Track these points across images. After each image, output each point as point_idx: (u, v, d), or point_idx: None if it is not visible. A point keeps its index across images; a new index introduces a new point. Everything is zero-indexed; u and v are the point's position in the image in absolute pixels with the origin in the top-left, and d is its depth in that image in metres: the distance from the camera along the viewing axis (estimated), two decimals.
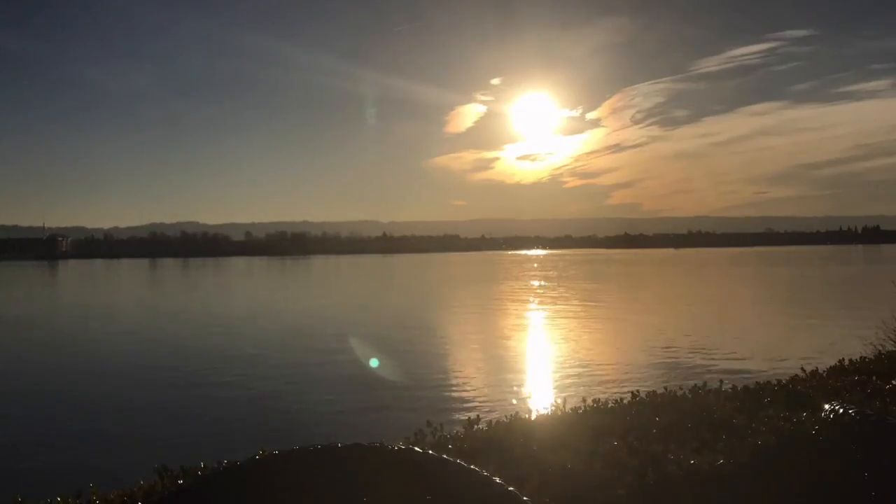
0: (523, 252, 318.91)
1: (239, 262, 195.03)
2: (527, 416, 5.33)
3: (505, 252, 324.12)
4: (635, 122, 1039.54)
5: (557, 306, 45.01)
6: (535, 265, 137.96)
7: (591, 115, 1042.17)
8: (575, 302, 48.26)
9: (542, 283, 73.91)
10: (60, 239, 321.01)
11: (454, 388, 19.42)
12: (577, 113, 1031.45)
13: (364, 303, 52.57)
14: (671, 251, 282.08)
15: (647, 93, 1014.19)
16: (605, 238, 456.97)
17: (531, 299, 51.50)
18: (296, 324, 36.96)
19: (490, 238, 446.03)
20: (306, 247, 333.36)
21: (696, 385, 6.08)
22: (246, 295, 65.66)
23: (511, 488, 2.30)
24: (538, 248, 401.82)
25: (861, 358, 8.55)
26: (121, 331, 35.13)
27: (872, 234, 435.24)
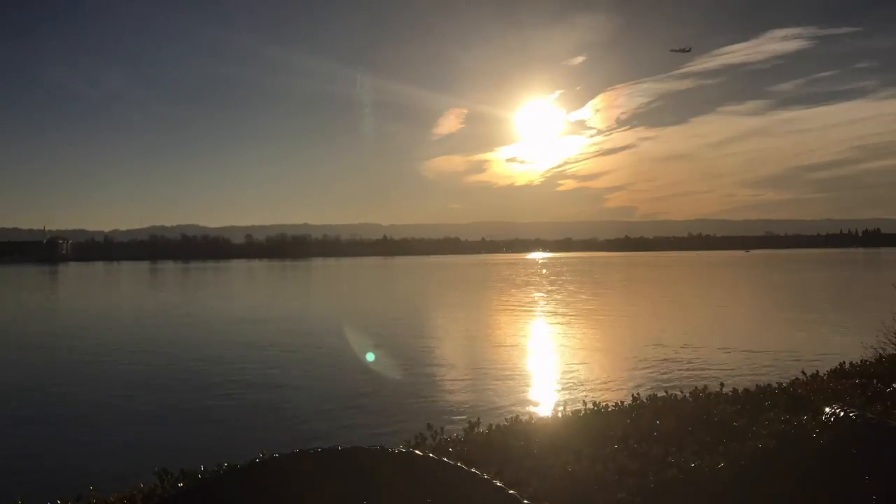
0: (526, 255, 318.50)
1: (239, 265, 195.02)
2: (527, 418, 5.32)
3: (506, 255, 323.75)
4: (621, 123, 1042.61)
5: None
6: (548, 269, 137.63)
7: (576, 117, 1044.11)
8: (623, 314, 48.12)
9: (580, 292, 73.53)
10: (61, 242, 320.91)
11: (464, 392, 19.40)
12: (562, 114, 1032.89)
13: (387, 310, 52.44)
14: (681, 254, 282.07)
15: (631, 93, 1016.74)
16: (605, 241, 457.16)
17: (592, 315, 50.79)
18: (294, 333, 36.93)
19: (490, 241, 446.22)
20: (307, 250, 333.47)
21: (696, 388, 6.06)
22: (244, 300, 65.61)
23: (511, 491, 2.30)
24: (539, 251, 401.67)
25: (862, 361, 8.54)
26: (120, 334, 35.10)
27: (873, 238, 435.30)
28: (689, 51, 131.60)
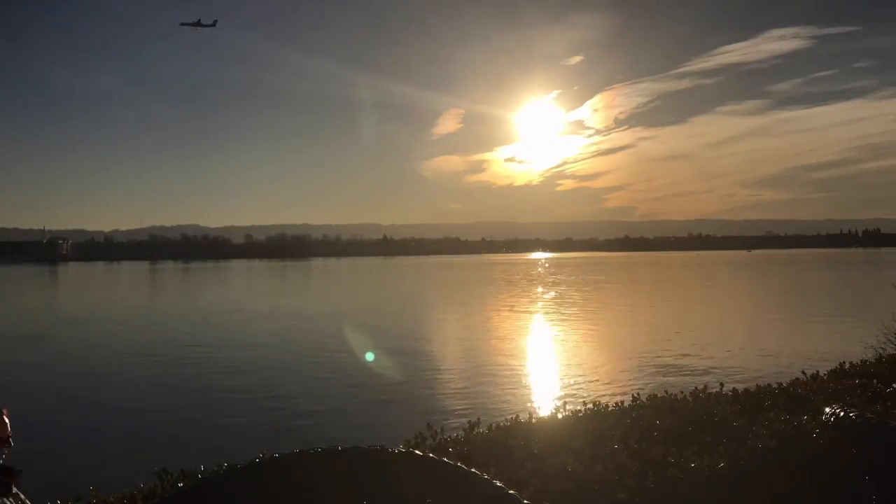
0: (527, 256, 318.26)
1: (240, 265, 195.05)
2: (527, 418, 5.32)
3: (507, 255, 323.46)
4: (619, 123, 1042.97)
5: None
6: (549, 269, 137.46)
7: (574, 116, 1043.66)
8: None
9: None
10: (61, 242, 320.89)
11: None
12: (561, 114, 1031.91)
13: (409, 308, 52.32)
14: (685, 254, 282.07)
15: (629, 93, 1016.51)
16: (605, 241, 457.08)
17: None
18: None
19: (490, 241, 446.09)
20: (307, 249, 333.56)
21: (696, 388, 6.06)
22: (245, 300, 65.64)
23: (511, 491, 2.30)
24: (539, 251, 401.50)
25: (862, 361, 8.54)
26: (119, 334, 35.11)
27: (873, 238, 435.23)
28: (212, 25, 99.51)
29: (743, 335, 30.27)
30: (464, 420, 5.28)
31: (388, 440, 3.04)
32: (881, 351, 10.82)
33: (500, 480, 2.34)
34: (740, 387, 6.34)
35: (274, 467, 2.25)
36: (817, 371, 7.52)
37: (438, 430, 4.89)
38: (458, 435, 4.96)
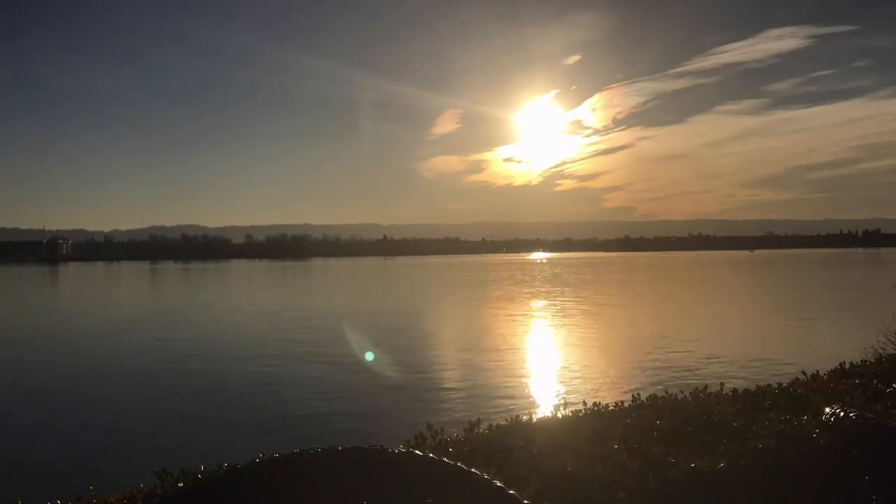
0: (527, 256, 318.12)
1: (240, 265, 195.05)
2: (527, 418, 5.32)
3: (507, 256, 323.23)
4: (618, 122, 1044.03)
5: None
6: (551, 270, 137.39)
7: (573, 116, 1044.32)
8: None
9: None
10: (61, 242, 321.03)
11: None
12: (559, 113, 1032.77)
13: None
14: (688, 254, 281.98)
15: (627, 92, 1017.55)
16: (605, 241, 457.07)
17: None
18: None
19: (491, 241, 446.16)
20: (307, 249, 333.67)
21: (696, 388, 6.06)
22: (242, 299, 65.62)
23: (512, 491, 2.30)
24: (539, 251, 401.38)
25: (862, 361, 8.55)
26: (119, 334, 35.10)
27: (873, 238, 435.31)
28: None
29: (744, 335, 30.28)
30: (464, 420, 5.28)
31: (388, 440, 3.04)
32: (881, 351, 10.82)
33: (501, 480, 2.34)
34: (740, 387, 6.34)
35: (274, 467, 2.25)
36: (817, 371, 7.51)
37: (438, 430, 4.89)
38: (458, 435, 4.96)
